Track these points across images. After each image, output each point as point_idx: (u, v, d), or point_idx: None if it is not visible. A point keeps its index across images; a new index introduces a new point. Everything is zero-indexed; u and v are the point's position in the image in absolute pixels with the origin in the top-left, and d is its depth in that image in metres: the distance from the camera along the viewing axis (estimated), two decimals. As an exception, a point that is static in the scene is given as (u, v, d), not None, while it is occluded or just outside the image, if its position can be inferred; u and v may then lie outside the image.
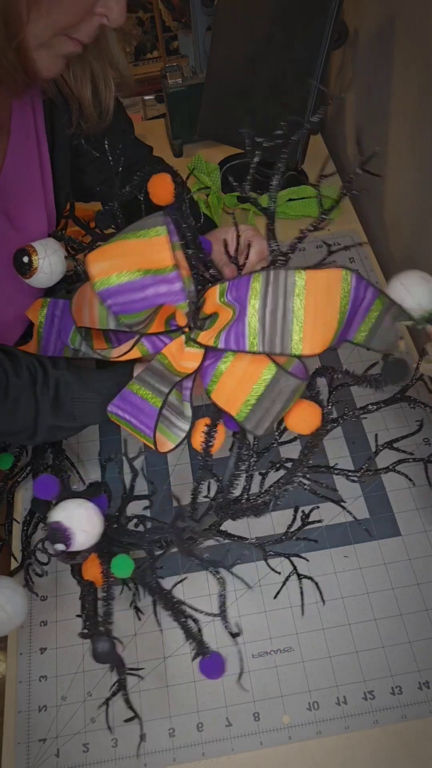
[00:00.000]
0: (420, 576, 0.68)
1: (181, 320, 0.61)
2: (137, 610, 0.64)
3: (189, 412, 0.60)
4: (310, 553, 0.69)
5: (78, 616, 0.62)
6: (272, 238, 0.60)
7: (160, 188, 0.65)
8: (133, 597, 0.64)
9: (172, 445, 0.60)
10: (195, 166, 1.11)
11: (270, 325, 0.53)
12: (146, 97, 1.37)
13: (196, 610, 0.58)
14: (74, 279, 0.75)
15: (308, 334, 0.52)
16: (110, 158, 0.70)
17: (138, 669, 0.58)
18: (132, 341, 0.61)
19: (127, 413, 0.61)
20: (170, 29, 1.23)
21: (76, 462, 0.77)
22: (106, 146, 0.69)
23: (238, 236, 0.66)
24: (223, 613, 0.57)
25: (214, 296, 0.58)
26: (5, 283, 0.68)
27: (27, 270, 0.68)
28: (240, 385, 0.57)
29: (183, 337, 0.62)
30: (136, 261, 0.57)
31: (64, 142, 0.73)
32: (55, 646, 0.67)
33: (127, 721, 0.56)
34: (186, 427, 0.60)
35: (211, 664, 0.55)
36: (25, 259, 0.68)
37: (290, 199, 1.04)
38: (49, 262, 0.69)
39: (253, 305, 0.54)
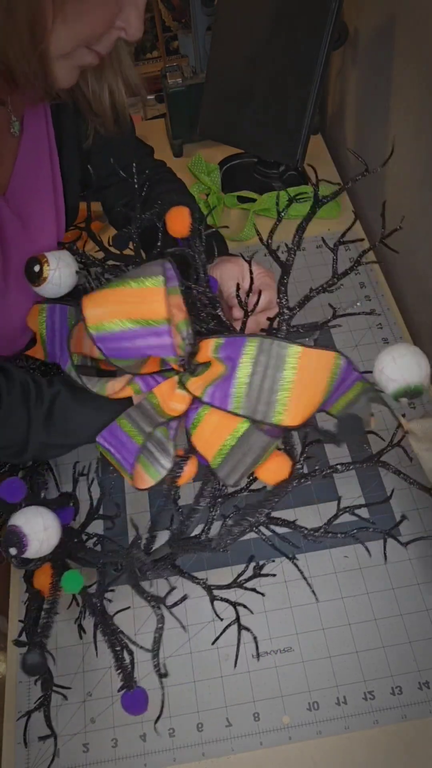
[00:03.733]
0: (420, 576, 0.68)
1: (174, 365, 0.61)
2: (80, 628, 0.63)
3: (173, 450, 0.59)
4: (310, 553, 0.69)
5: (21, 621, 0.62)
6: (284, 291, 0.61)
7: (178, 222, 0.66)
8: (79, 614, 0.63)
9: (152, 482, 0.59)
10: (195, 166, 1.11)
11: (256, 393, 0.54)
12: (146, 97, 1.37)
13: (133, 642, 0.57)
14: (83, 293, 0.75)
15: (291, 407, 0.54)
16: (135, 182, 0.71)
17: (65, 688, 0.58)
18: (124, 379, 0.62)
19: (112, 446, 0.61)
20: (170, 29, 1.23)
21: (58, 464, 0.78)
22: (134, 170, 0.71)
23: (252, 281, 0.67)
24: (155, 651, 0.56)
25: (207, 348, 0.59)
26: (17, 288, 0.68)
27: (36, 278, 0.69)
28: (215, 433, 0.58)
29: (176, 377, 0.62)
30: (130, 310, 0.58)
31: (72, 146, 0.74)
32: (55, 646, 0.67)
33: (41, 739, 0.56)
34: (168, 465, 0.59)
35: (133, 699, 0.55)
36: (36, 268, 0.68)
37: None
38: (59, 274, 0.69)
39: (244, 369, 0.54)
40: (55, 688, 0.58)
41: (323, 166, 1.14)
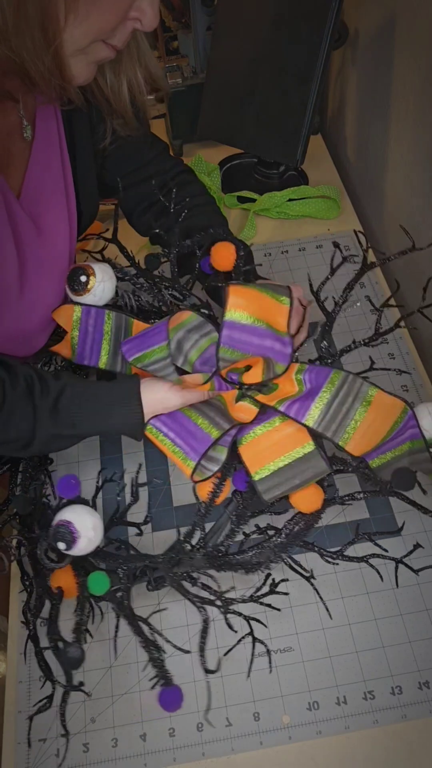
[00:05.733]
0: (420, 576, 0.67)
1: (255, 377, 0.65)
2: (87, 632, 0.62)
3: (224, 456, 0.63)
4: (310, 553, 0.69)
5: (22, 622, 0.63)
6: (328, 337, 0.70)
7: (223, 257, 0.72)
8: (86, 617, 0.61)
9: (199, 478, 0.63)
10: (195, 166, 1.11)
11: (332, 413, 0.61)
12: (146, 97, 1.37)
13: (168, 641, 0.58)
14: (113, 307, 0.76)
15: (357, 436, 0.61)
16: (171, 206, 0.75)
17: (83, 687, 0.58)
18: (209, 374, 0.68)
19: (172, 431, 0.63)
20: (170, 29, 1.22)
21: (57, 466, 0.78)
22: (152, 175, 0.74)
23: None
24: (202, 650, 0.58)
25: (290, 370, 0.65)
26: (32, 290, 0.68)
27: (81, 288, 0.69)
28: (272, 447, 0.62)
29: (237, 391, 0.68)
30: (265, 314, 0.63)
31: (85, 150, 0.73)
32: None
33: (63, 736, 0.57)
34: (214, 468, 0.63)
35: (171, 696, 0.56)
36: (83, 278, 0.69)
37: (290, 199, 1.04)
38: (102, 287, 0.70)
39: (327, 391, 0.62)
40: (71, 688, 0.58)
41: (323, 166, 1.14)
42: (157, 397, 0.66)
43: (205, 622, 0.59)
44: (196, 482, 0.63)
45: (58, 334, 0.76)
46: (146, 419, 0.65)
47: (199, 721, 0.62)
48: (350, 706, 0.62)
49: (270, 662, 0.61)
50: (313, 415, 0.61)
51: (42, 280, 0.69)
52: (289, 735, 0.61)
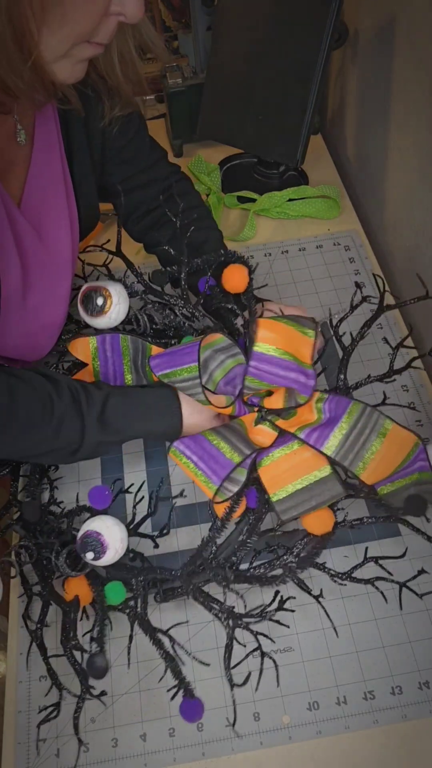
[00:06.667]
0: (420, 575, 0.67)
1: (277, 404, 0.68)
2: (92, 639, 0.62)
3: (244, 478, 0.65)
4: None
5: (32, 632, 0.63)
6: (343, 370, 0.72)
7: (236, 279, 0.74)
8: (93, 626, 0.62)
9: (221, 499, 0.64)
10: (195, 166, 1.11)
11: (350, 444, 0.65)
12: (146, 97, 1.36)
13: (188, 653, 0.60)
14: (127, 332, 0.76)
15: (371, 467, 0.64)
16: (178, 223, 0.75)
17: (102, 694, 0.59)
18: (232, 398, 0.69)
19: (195, 455, 0.65)
20: (170, 29, 1.22)
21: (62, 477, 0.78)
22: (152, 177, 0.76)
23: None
24: (227, 664, 0.59)
25: (312, 398, 0.67)
26: (36, 299, 0.68)
27: (97, 311, 0.69)
28: (292, 469, 0.65)
29: (256, 414, 0.69)
30: (290, 346, 0.66)
31: (83, 153, 0.73)
32: (55, 646, 0.67)
33: (81, 743, 0.58)
34: (235, 489, 0.64)
35: (192, 707, 0.56)
36: (100, 301, 0.69)
37: (290, 199, 1.04)
38: (118, 310, 0.70)
39: (346, 422, 0.65)
40: (87, 695, 0.58)
41: (323, 166, 1.14)
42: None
43: (230, 639, 0.59)
44: (217, 503, 0.65)
45: (63, 340, 0.77)
46: (186, 419, 0.67)
47: (199, 720, 0.62)
48: (350, 706, 0.62)
49: (277, 678, 0.62)
50: (332, 445, 0.64)
51: (45, 285, 0.69)
52: (289, 735, 0.61)
